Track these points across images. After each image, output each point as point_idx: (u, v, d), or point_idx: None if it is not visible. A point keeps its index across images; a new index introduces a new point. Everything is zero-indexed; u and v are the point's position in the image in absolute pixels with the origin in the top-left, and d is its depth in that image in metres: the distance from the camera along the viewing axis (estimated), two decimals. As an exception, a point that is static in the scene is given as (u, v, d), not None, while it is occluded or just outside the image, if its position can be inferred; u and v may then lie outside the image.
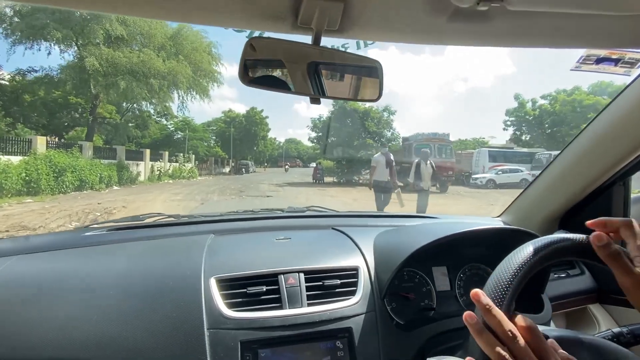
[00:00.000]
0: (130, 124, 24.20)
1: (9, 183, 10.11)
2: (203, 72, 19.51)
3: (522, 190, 1.31)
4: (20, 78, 17.78)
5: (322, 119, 25.38)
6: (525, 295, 0.61)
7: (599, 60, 1.03)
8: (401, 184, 6.57)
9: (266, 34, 0.68)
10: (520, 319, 0.45)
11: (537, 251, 0.49)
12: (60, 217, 7.44)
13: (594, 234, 0.47)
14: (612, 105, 0.97)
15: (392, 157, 6.21)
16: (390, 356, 0.85)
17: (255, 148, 37.82)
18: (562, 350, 0.47)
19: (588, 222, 0.49)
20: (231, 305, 0.82)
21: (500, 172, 17.93)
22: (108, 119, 21.24)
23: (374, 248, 1.02)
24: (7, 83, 17.57)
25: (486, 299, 0.45)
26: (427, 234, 0.96)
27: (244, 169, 31.16)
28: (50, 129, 19.77)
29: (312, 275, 0.90)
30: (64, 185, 11.96)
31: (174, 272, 0.88)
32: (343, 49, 0.69)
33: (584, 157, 1.07)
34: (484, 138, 32.71)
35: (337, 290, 0.90)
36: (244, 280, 0.87)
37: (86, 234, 1.11)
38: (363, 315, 0.87)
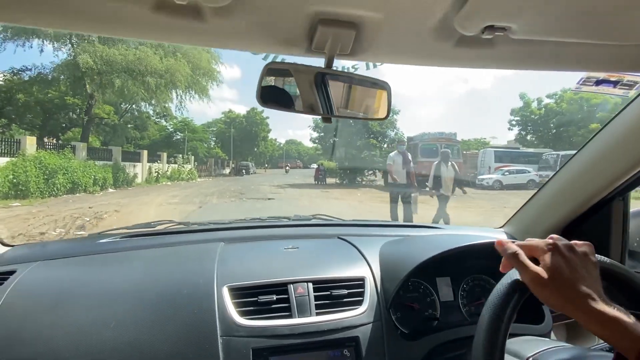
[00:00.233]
0: (129, 125, 23.92)
1: (-5, 186, 9.54)
2: (202, 70, 18.96)
3: (525, 202, 1.34)
4: (14, 77, 17.27)
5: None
6: (526, 306, 0.60)
7: (599, 82, 1.05)
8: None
9: (280, 57, 0.73)
10: None
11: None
12: (45, 222, 6.92)
13: (496, 240, 0.57)
14: (612, 123, 1.01)
15: (410, 157, 5.62)
16: None
17: (255, 149, 37.64)
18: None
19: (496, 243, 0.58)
20: (243, 314, 0.84)
21: (507, 173, 17.66)
22: (106, 119, 20.87)
23: (379, 258, 1.05)
24: (2, 83, 17.07)
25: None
26: (433, 246, 0.99)
27: (244, 171, 31.07)
28: (47, 130, 19.46)
29: (320, 285, 0.92)
30: (55, 188, 11.35)
31: (187, 280, 0.90)
32: (353, 69, 0.83)
33: (586, 172, 1.11)
34: (485, 138, 32.58)
35: (344, 300, 0.92)
36: (255, 289, 0.89)
37: (100, 241, 1.14)
38: (370, 325, 0.89)
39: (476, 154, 21.20)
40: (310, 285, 0.91)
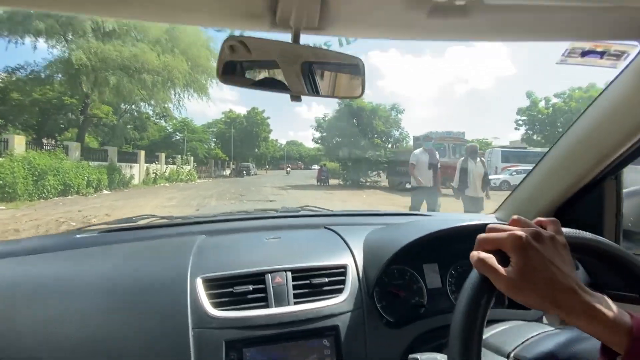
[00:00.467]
0: (128, 126, 23.49)
1: (-22, 188, 8.93)
2: (201, 68, 18.36)
3: (517, 185, 1.30)
4: (7, 76, 16.76)
5: (327, 119, 24.42)
6: None
7: (584, 53, 1.00)
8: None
9: (246, 34, 0.69)
10: None
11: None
12: (27, 227, 6.35)
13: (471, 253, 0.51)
14: (600, 98, 0.97)
15: (437, 156, 4.96)
16: (377, 353, 0.86)
17: (256, 150, 37.23)
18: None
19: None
20: (217, 305, 0.82)
21: (515, 173, 17.19)
22: (104, 120, 20.39)
23: (363, 246, 1.02)
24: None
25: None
26: (417, 230, 0.97)
27: (245, 172, 30.96)
28: (45, 131, 18.96)
29: (299, 274, 0.90)
30: (45, 190, 10.76)
31: (159, 273, 0.88)
32: (326, 47, 0.72)
33: (574, 151, 1.06)
34: (487, 139, 31.84)
35: (324, 288, 0.90)
36: (230, 279, 0.87)
37: (77, 236, 1.09)
38: (349, 313, 0.87)
39: (482, 154, 20.75)
40: (289, 274, 0.89)
